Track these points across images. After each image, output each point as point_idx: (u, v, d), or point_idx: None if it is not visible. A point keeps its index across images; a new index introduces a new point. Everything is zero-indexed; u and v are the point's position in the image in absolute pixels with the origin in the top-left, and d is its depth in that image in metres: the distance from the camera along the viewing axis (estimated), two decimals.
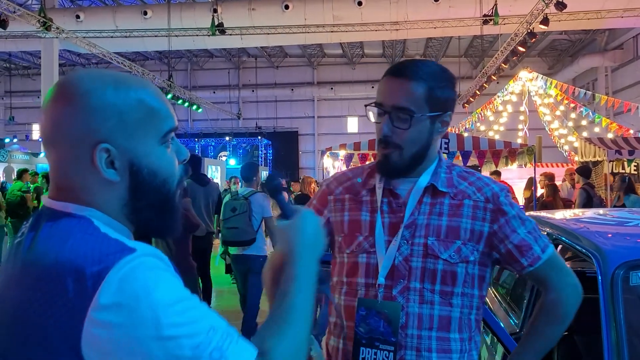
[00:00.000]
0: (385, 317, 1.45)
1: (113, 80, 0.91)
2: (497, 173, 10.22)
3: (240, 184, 11.22)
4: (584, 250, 2.09)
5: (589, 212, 3.14)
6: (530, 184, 9.71)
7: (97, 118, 0.88)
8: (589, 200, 8.24)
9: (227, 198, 5.73)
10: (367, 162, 1.75)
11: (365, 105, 1.57)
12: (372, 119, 1.54)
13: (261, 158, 29.21)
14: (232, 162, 27.85)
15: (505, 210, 1.49)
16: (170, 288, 0.82)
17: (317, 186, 11.38)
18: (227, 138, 29.06)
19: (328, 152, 11.00)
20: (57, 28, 14.66)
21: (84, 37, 16.38)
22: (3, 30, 13.53)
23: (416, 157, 1.50)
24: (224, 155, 28.96)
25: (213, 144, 29.81)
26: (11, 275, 0.86)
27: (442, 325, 1.45)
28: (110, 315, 0.77)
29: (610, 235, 2.27)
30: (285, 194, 1.20)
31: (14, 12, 13.23)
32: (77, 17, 16.64)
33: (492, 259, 1.52)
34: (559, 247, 2.55)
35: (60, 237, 0.84)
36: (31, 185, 10.66)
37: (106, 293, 0.77)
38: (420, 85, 1.44)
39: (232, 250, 5.61)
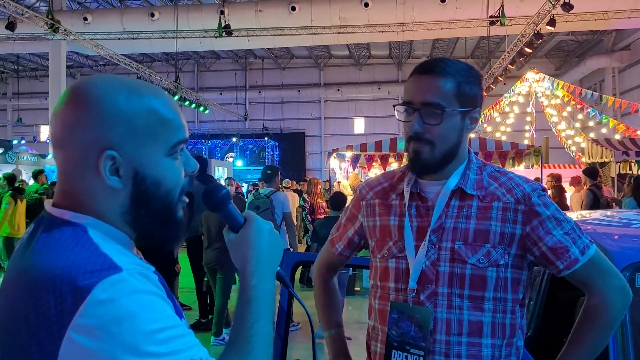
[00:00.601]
0: (417, 321, 1.44)
1: (126, 87, 0.91)
2: None
3: (238, 186, 11.71)
4: None
5: (596, 214, 3.13)
6: None
7: (107, 124, 0.87)
8: (596, 201, 8.21)
9: (250, 198, 6.50)
10: (401, 166, 1.71)
11: (394, 105, 1.55)
12: (400, 118, 1.51)
13: (268, 159, 29.24)
14: (239, 163, 27.92)
15: (539, 211, 1.43)
16: (155, 314, 0.80)
17: (322, 187, 11.40)
18: (234, 139, 29.11)
19: (335, 154, 11.02)
20: (65, 30, 14.74)
21: (92, 39, 16.46)
22: (11, 33, 13.65)
23: (447, 155, 1.47)
24: (230, 157, 29.02)
25: (220, 145, 29.88)
26: (9, 281, 0.86)
27: (472, 331, 1.41)
28: (90, 338, 0.75)
29: (616, 236, 2.26)
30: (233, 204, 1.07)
31: (22, 14, 13.33)
32: (85, 19, 16.72)
33: (527, 261, 1.47)
34: None
35: (51, 248, 0.84)
36: (40, 187, 10.69)
37: (87, 314, 0.76)
38: (449, 81, 1.43)
39: None
